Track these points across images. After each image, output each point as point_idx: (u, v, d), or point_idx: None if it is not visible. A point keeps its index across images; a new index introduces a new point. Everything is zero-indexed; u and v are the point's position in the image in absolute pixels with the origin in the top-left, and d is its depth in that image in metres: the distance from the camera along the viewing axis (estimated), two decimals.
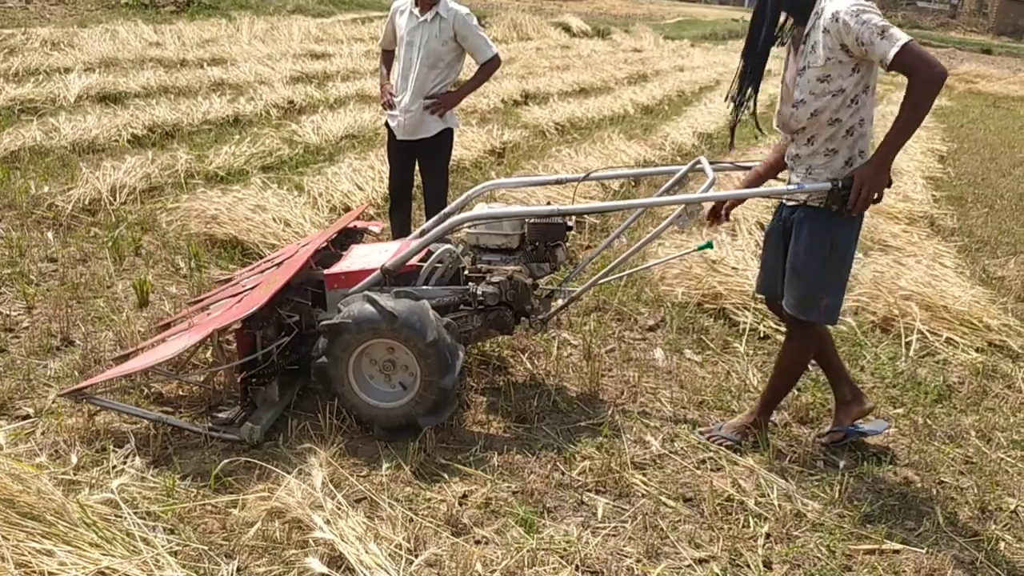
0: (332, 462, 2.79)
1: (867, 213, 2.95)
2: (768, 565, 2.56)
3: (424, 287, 3.25)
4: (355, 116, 8.54)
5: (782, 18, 2.81)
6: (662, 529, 2.68)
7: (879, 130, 2.81)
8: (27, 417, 3.02)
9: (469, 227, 3.39)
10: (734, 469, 3.03)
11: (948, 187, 8.19)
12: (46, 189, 5.46)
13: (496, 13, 22.18)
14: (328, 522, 2.41)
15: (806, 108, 2.77)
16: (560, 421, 3.30)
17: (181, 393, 3.28)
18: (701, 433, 3.24)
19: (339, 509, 2.49)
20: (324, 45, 14.94)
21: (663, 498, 2.84)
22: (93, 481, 2.63)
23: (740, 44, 3.00)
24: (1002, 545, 2.72)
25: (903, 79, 2.56)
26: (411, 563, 2.38)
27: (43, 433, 2.92)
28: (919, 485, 3.04)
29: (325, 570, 2.26)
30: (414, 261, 3.28)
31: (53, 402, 3.11)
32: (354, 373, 3.02)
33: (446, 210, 3.69)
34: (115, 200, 5.43)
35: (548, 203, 4.59)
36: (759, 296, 3.87)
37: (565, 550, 2.53)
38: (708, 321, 4.38)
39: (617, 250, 4.81)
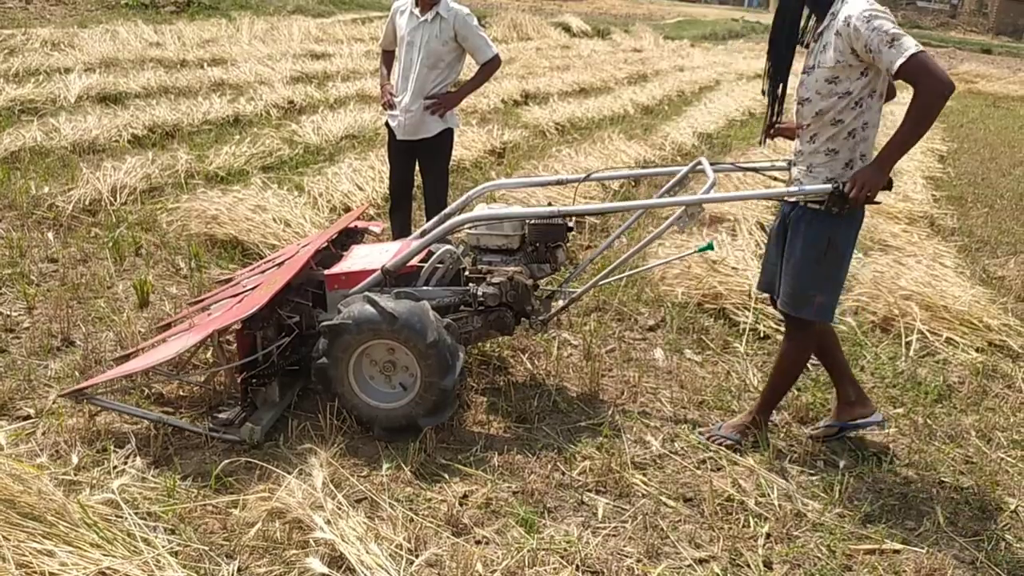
0: (332, 462, 2.79)
1: (867, 213, 2.95)
2: (768, 565, 2.56)
3: (424, 288, 3.25)
4: (355, 116, 8.54)
5: (805, 12, 2.81)
6: (662, 529, 2.69)
7: (883, 133, 2.81)
8: (28, 417, 3.03)
9: (470, 228, 3.39)
10: (734, 469, 3.03)
11: (948, 187, 8.19)
12: (46, 189, 5.47)
13: (496, 13, 22.16)
14: (329, 522, 2.41)
15: (811, 106, 2.78)
16: (560, 421, 3.30)
17: (182, 393, 3.29)
18: (701, 433, 3.24)
19: (340, 509, 2.49)
20: (324, 45, 14.92)
21: (663, 498, 2.84)
22: (94, 481, 2.63)
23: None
24: (1002, 545, 2.73)
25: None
26: (411, 563, 2.38)
27: (44, 433, 2.93)
28: (919, 485, 3.04)
29: (326, 570, 2.26)
30: (415, 262, 3.28)
31: (54, 402, 3.11)
32: (354, 374, 3.03)
33: (446, 211, 3.69)
34: (115, 200, 5.44)
35: (548, 204, 4.58)
36: (760, 294, 3.87)
37: (565, 550, 2.53)
38: (708, 321, 4.38)
39: (617, 250, 4.81)
